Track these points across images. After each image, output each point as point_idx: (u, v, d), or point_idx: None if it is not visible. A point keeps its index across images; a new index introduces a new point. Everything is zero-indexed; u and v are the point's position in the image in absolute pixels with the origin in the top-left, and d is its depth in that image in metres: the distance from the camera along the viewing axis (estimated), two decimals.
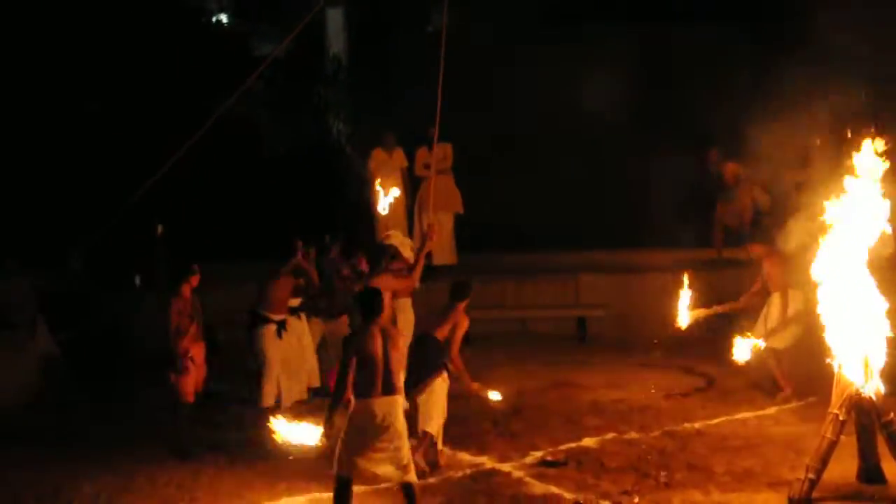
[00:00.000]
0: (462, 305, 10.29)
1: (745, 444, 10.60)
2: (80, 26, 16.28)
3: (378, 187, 13.36)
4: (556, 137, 17.68)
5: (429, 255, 12.87)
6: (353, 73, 20.57)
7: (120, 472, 10.32)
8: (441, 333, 10.18)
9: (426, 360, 10.12)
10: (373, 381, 8.11)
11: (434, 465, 10.07)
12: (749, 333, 11.80)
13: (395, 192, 13.46)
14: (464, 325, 10.26)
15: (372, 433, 8.11)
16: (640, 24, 18.44)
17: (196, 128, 17.21)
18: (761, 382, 12.64)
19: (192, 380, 10.78)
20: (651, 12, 18.78)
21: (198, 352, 10.89)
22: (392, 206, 16.45)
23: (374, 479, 8.45)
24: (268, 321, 11.98)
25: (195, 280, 10.96)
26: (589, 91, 17.16)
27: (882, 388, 9.14)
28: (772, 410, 11.69)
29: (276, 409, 11.76)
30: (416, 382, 9.98)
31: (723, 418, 11.59)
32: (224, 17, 20.45)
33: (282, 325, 12.05)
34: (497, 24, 17.69)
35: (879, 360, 9.10)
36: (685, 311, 11.84)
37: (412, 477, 8.28)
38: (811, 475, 9.03)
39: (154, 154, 16.71)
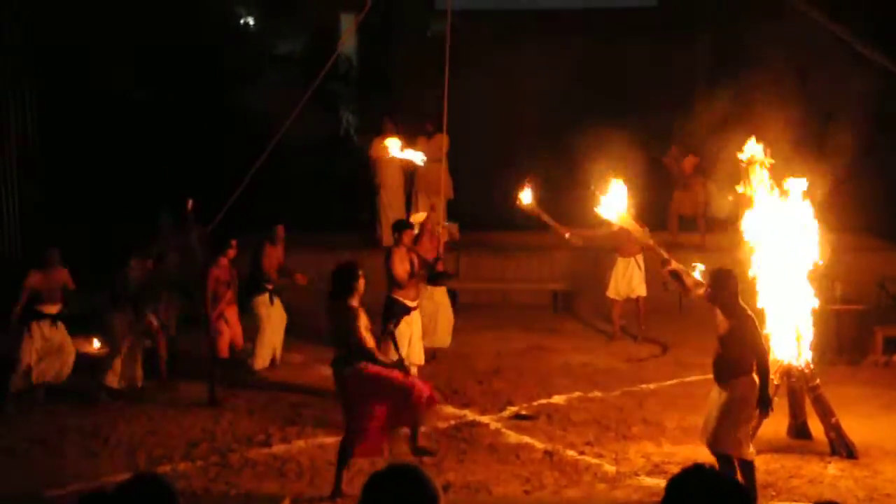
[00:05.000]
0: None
1: (694, 403, 10.65)
2: (132, 29, 16.34)
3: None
4: (538, 134, 17.70)
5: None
6: (362, 71, 20.58)
7: (153, 416, 10.49)
8: None
9: None
10: None
11: None
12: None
13: None
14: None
15: None
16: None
17: (224, 116, 17.31)
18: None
19: (227, 338, 10.84)
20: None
21: (231, 313, 10.92)
22: (393, 190, 16.53)
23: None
24: (263, 289, 11.89)
25: (232, 252, 11.09)
26: (563, 92, 17.21)
27: (810, 359, 9.32)
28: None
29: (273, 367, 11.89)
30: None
31: (675, 380, 11.68)
32: (251, 20, 20.43)
33: (273, 293, 12.05)
34: (483, 30, 17.67)
35: (808, 334, 9.28)
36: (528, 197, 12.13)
37: None
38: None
39: (189, 139, 16.85)
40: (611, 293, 13.63)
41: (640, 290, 13.42)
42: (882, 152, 13.38)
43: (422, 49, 16.91)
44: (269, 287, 11.83)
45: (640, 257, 13.43)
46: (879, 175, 13.86)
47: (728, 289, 7.82)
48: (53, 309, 10.72)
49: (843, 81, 14.55)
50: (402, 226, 11.20)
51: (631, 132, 15.85)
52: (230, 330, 10.96)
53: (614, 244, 13.42)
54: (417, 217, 12.58)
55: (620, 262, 13.51)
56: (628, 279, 13.46)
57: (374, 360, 8.29)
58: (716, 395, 7.93)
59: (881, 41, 10.72)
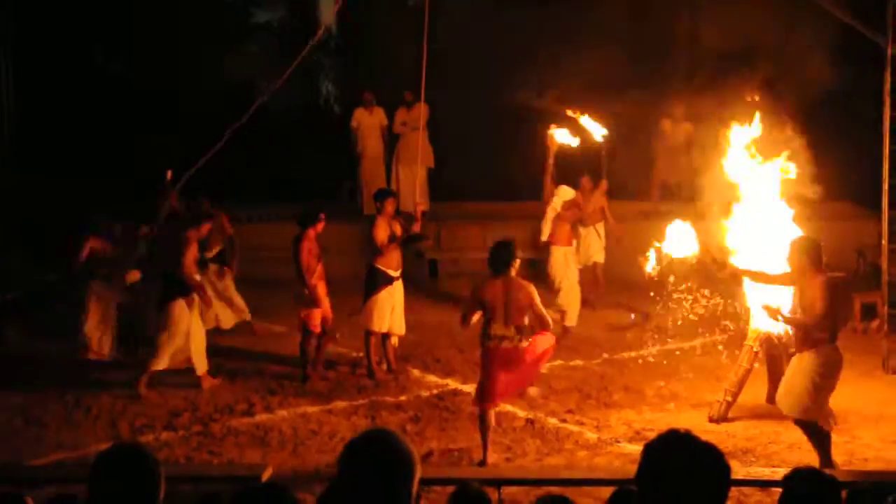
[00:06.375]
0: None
1: (674, 371, 10.78)
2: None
3: None
4: (521, 102, 17.58)
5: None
6: (343, 41, 20.44)
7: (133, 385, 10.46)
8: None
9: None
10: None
11: None
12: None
13: None
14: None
15: None
16: None
17: (205, 87, 17.18)
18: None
19: (321, 313, 10.61)
20: None
21: (322, 288, 10.62)
22: (374, 159, 16.49)
23: None
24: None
25: (321, 225, 10.61)
26: (544, 60, 17.08)
27: (790, 329, 9.33)
28: (697, 342, 11.84)
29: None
30: None
31: (655, 349, 11.72)
32: None
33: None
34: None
35: (787, 302, 9.29)
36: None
37: None
38: (728, 397, 9.26)
39: (166, 110, 16.73)
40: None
41: (598, 256, 13.59)
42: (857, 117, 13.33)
43: (402, 18, 16.77)
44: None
45: (599, 226, 13.51)
46: (858, 142, 13.86)
47: (806, 256, 7.78)
48: None
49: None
50: (384, 195, 11.11)
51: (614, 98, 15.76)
52: (323, 304, 10.65)
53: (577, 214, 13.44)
54: (566, 192, 12.35)
55: (581, 232, 13.61)
56: (587, 246, 13.59)
57: (546, 326, 8.58)
58: (796, 363, 7.90)
59: None
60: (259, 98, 10.82)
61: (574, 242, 12.66)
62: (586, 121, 11.93)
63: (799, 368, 7.89)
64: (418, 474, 3.09)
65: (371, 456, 3.08)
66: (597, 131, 11.94)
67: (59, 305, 12.96)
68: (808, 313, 7.82)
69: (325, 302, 10.69)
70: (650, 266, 10.86)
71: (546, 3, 17.42)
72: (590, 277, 13.68)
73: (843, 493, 4.49)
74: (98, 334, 11.00)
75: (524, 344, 8.39)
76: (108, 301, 11.15)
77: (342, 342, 11.95)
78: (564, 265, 12.35)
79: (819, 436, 7.91)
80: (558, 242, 12.38)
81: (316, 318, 10.57)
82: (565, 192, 12.31)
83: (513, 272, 8.49)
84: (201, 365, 10.33)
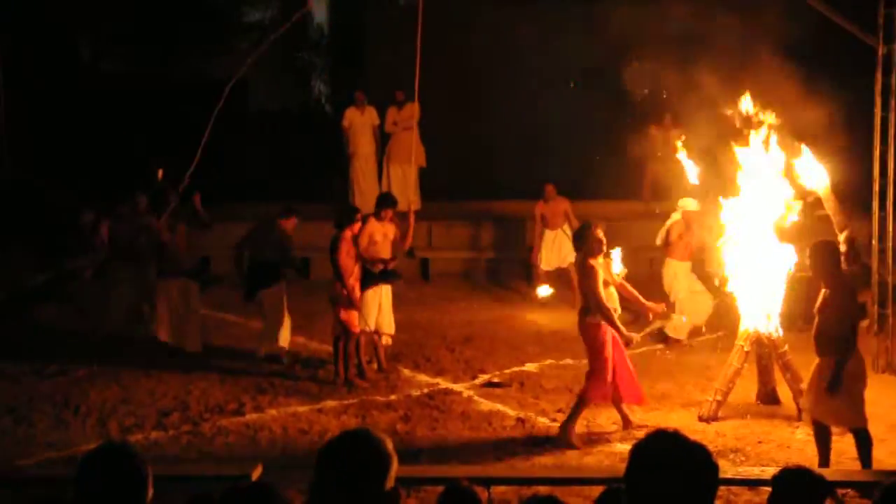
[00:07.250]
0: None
1: (664, 371, 10.77)
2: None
3: None
4: (511, 99, 17.58)
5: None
6: (335, 41, 20.45)
7: (124, 384, 10.42)
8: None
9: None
10: None
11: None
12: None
13: None
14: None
15: None
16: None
17: (194, 84, 17.16)
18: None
19: (358, 314, 10.46)
20: None
21: (359, 288, 10.48)
22: (365, 159, 16.44)
23: None
24: None
25: (357, 226, 10.49)
26: (539, 55, 17.08)
27: (779, 326, 9.36)
28: (687, 342, 11.84)
29: None
30: None
31: (645, 348, 11.64)
32: None
33: None
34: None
35: (777, 301, 9.32)
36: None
37: None
38: (718, 397, 9.26)
39: (162, 106, 16.72)
40: (543, 265, 13.71)
41: (571, 258, 13.38)
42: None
43: (395, 17, 16.76)
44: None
45: (566, 227, 13.47)
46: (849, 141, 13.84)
47: (824, 260, 7.74)
48: None
49: None
50: (384, 203, 10.96)
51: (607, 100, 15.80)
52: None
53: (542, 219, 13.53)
54: (687, 204, 11.76)
55: (548, 235, 13.70)
56: (557, 250, 13.58)
57: (610, 320, 8.72)
58: (819, 370, 7.79)
59: None
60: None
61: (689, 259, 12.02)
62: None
63: (819, 375, 7.74)
64: (394, 470, 3.09)
65: (348, 455, 3.09)
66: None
67: (51, 305, 12.95)
68: (824, 316, 7.73)
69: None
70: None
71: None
72: (566, 278, 13.67)
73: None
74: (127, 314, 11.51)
75: (590, 320, 8.74)
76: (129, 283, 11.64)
77: (329, 341, 11.94)
78: (672, 278, 11.98)
79: (863, 439, 7.76)
80: (671, 255, 12.00)
81: (356, 318, 10.48)
82: (686, 204, 11.76)
83: (591, 258, 8.73)
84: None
